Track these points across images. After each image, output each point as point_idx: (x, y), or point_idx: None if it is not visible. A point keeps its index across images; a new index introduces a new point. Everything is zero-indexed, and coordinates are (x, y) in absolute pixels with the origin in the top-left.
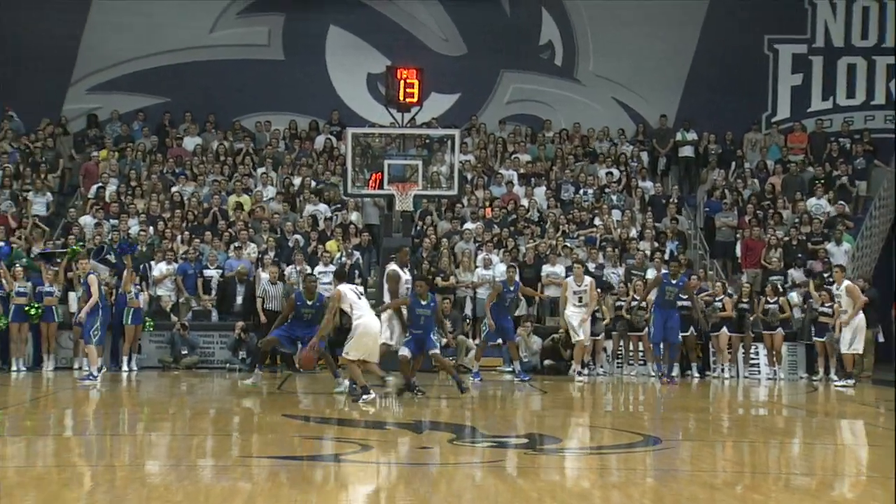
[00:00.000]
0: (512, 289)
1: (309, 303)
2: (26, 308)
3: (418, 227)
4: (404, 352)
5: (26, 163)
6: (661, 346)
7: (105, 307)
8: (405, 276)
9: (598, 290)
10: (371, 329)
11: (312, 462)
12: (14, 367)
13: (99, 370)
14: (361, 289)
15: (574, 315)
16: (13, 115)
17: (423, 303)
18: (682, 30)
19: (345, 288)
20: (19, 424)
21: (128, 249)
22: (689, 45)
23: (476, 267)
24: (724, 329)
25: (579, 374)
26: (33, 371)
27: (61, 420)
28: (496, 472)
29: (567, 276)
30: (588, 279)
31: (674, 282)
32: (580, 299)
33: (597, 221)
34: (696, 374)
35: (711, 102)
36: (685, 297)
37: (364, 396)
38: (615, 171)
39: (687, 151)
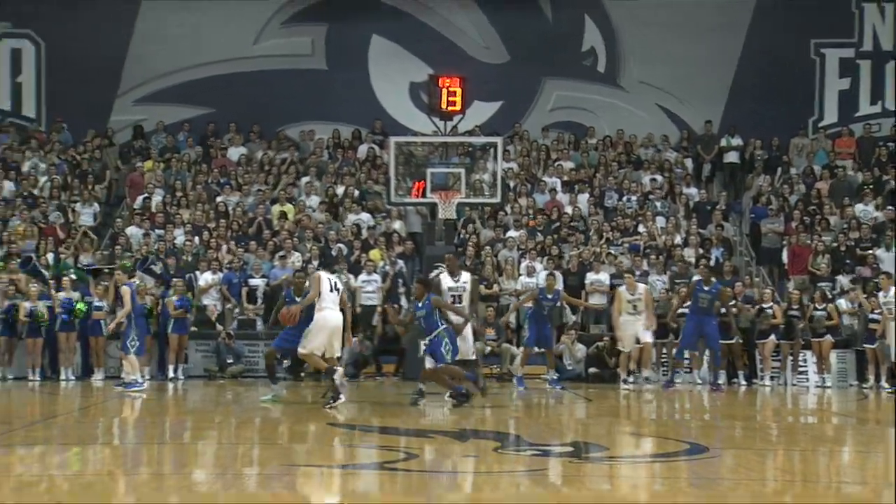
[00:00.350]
0: (551, 297)
1: (298, 300)
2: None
3: (461, 236)
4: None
5: (74, 174)
6: (687, 353)
7: (140, 317)
8: (449, 282)
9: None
10: (327, 323)
11: (357, 471)
12: (63, 377)
13: (143, 377)
14: (337, 282)
15: (629, 323)
16: (64, 126)
17: (419, 305)
18: (727, 34)
19: (322, 274)
20: (68, 433)
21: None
22: (733, 50)
23: (519, 275)
24: (773, 336)
25: (646, 379)
26: (82, 381)
27: (109, 429)
28: (541, 480)
29: (620, 286)
30: (642, 286)
31: (706, 288)
32: (635, 307)
33: (641, 228)
34: (743, 382)
35: (757, 108)
36: (730, 303)
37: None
38: (659, 178)
39: (732, 157)
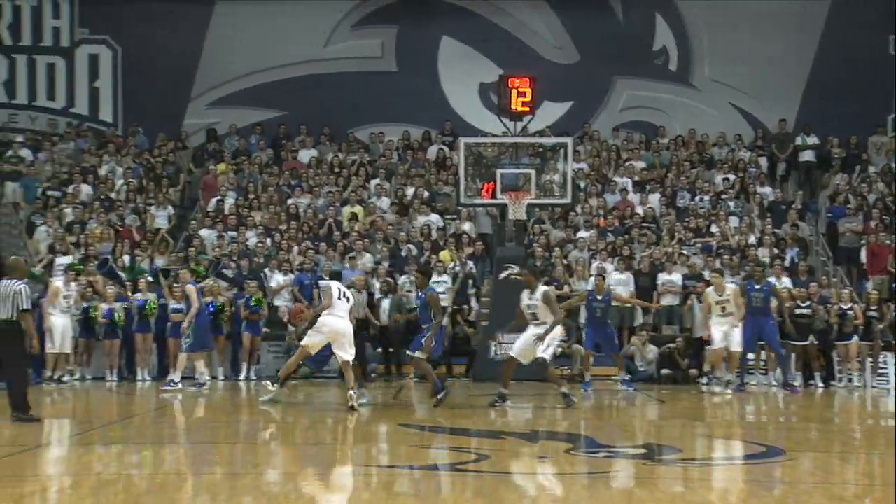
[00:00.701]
0: (601, 298)
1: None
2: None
3: (531, 236)
4: (409, 353)
5: (148, 177)
6: (750, 355)
7: (203, 315)
8: (527, 299)
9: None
10: (325, 326)
11: (429, 471)
12: (139, 378)
13: (192, 378)
14: (346, 291)
15: (719, 325)
16: (140, 129)
17: (418, 294)
18: (802, 31)
19: (333, 284)
20: (144, 433)
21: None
22: (809, 47)
23: (590, 276)
24: (855, 338)
25: (727, 383)
26: (158, 382)
27: (183, 429)
28: (613, 482)
29: (694, 286)
30: (730, 287)
31: (758, 287)
32: (723, 309)
33: (714, 228)
34: (820, 384)
35: (833, 105)
36: (804, 304)
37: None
38: (732, 177)
39: (808, 156)
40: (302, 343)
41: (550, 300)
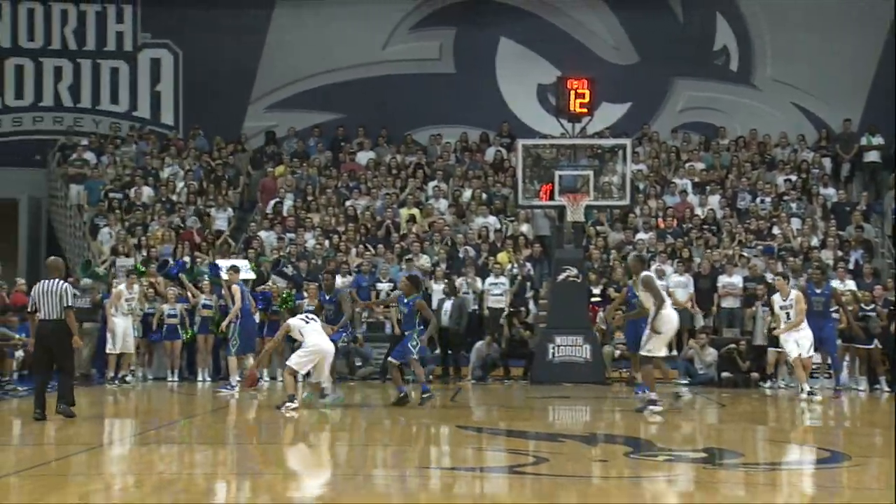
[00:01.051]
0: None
1: (327, 297)
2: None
3: (589, 238)
4: (391, 359)
5: (209, 179)
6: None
7: (248, 316)
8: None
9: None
10: (315, 346)
11: (487, 473)
12: (199, 378)
13: (244, 381)
14: (311, 315)
15: (789, 333)
16: (200, 132)
17: (405, 301)
18: (867, 29)
19: (293, 321)
20: (204, 433)
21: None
22: (874, 45)
23: None
24: None
25: (810, 393)
26: (216, 381)
27: (241, 429)
28: (674, 487)
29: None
30: (794, 292)
31: (818, 291)
32: (788, 315)
33: (775, 230)
34: (886, 389)
35: None
36: (868, 307)
37: (287, 404)
38: (794, 178)
39: (873, 156)
40: (290, 363)
41: (649, 286)
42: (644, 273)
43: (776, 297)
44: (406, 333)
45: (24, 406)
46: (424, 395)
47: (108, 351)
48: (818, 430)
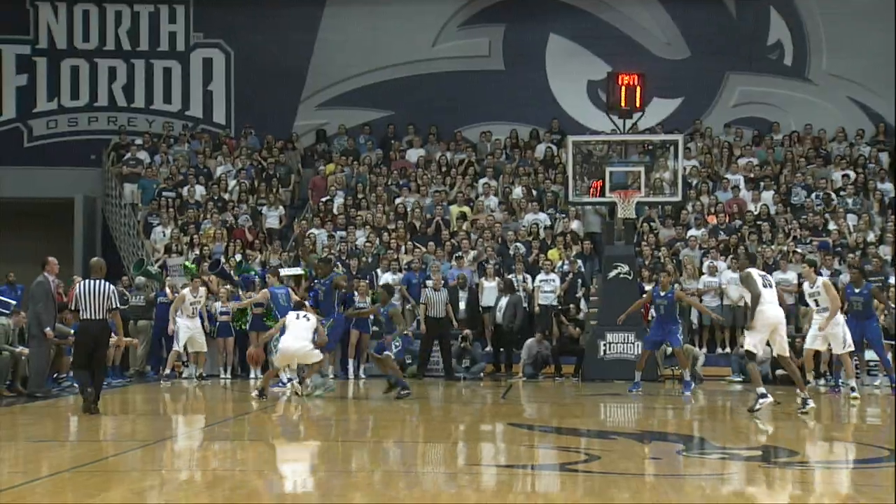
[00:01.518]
0: (664, 294)
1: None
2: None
3: (640, 235)
4: (372, 351)
5: (260, 178)
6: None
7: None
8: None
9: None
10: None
11: (539, 471)
12: (252, 375)
13: (289, 380)
14: (301, 312)
15: (815, 322)
16: (252, 131)
17: (382, 310)
18: None
19: (291, 313)
20: (257, 430)
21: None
22: None
23: (701, 274)
24: None
25: (852, 389)
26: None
27: (294, 427)
28: (729, 485)
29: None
30: (820, 279)
31: (857, 290)
32: (816, 303)
33: (831, 226)
34: None
35: None
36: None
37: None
38: (851, 174)
39: None
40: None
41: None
42: (747, 269)
43: (805, 286)
44: (388, 336)
45: (80, 403)
46: (403, 392)
47: (174, 349)
48: (874, 428)
